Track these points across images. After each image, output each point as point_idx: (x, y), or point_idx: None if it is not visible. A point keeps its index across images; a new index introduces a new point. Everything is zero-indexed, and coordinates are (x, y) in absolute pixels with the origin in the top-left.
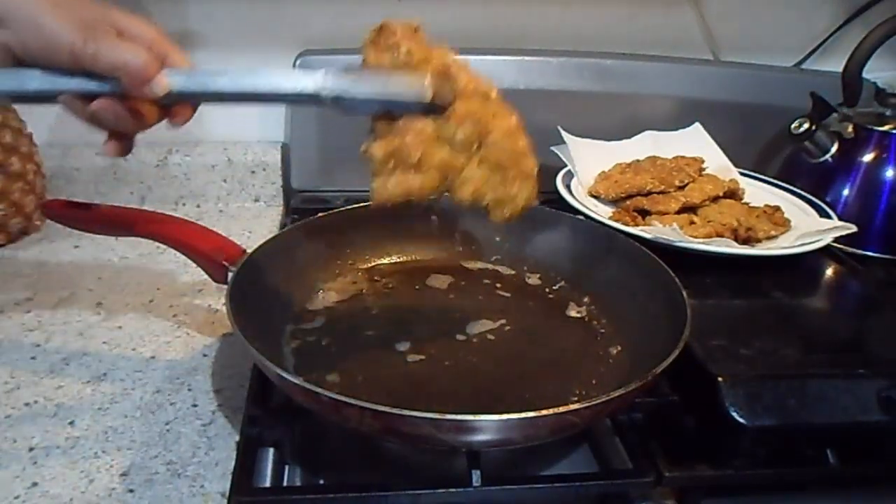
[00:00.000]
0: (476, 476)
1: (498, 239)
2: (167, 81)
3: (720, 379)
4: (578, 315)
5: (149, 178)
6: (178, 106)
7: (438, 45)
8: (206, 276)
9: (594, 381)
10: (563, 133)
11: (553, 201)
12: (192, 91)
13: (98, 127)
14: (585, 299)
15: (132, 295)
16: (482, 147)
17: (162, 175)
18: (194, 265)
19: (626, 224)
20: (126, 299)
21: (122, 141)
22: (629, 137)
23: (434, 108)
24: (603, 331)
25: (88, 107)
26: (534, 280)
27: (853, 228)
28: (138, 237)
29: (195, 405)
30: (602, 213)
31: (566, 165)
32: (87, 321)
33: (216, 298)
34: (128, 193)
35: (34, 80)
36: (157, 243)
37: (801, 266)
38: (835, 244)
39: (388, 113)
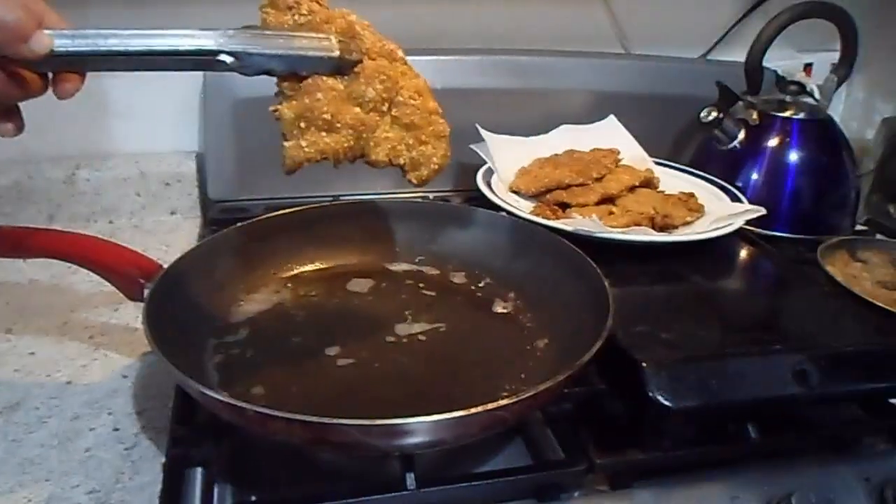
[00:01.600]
0: (410, 479)
1: (420, 240)
2: (48, 41)
3: (643, 364)
4: (505, 311)
5: (57, 196)
6: (64, 72)
7: (338, 8)
8: (122, 295)
9: (523, 376)
10: (482, 131)
11: (474, 199)
12: (77, 51)
13: None
14: (511, 295)
15: (44, 318)
16: (392, 107)
17: (71, 192)
18: (109, 284)
19: (547, 218)
20: (38, 323)
21: (10, 117)
22: (546, 132)
23: (342, 66)
24: (529, 325)
25: None
26: (459, 279)
27: (763, 211)
28: (47, 258)
29: (116, 429)
30: (523, 208)
31: (486, 163)
32: None
33: (134, 317)
34: (34, 212)
35: None
36: (68, 263)
37: (716, 250)
38: (746, 227)
39: (294, 73)
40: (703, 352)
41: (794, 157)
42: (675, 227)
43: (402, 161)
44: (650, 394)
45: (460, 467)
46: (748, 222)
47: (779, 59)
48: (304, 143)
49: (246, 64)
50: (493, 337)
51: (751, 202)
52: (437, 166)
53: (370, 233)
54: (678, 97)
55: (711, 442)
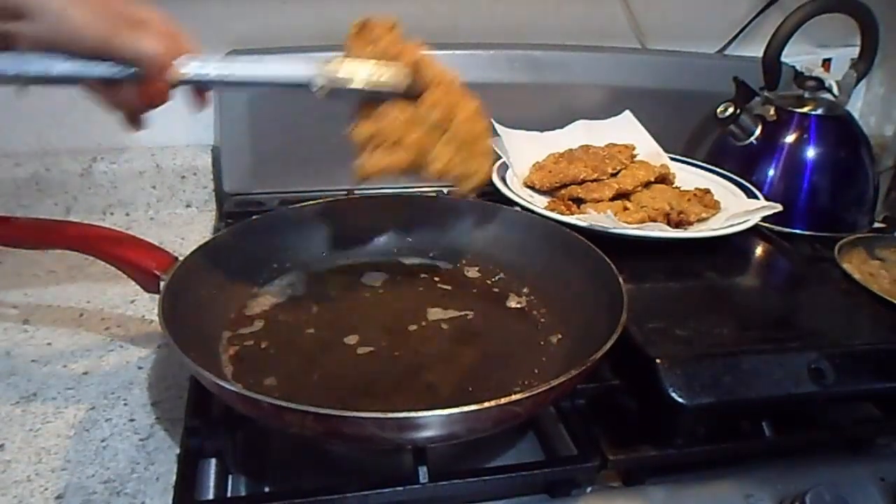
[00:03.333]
0: (423, 472)
1: (434, 234)
2: (182, 71)
3: (658, 361)
4: (518, 306)
5: (73, 188)
6: (193, 91)
7: (410, 41)
8: (138, 287)
9: (536, 371)
10: (497, 125)
11: (489, 193)
12: (203, 77)
13: (114, 109)
14: (525, 290)
15: (61, 310)
16: (449, 129)
17: (87, 184)
18: (126, 276)
19: (562, 213)
20: (55, 314)
21: (139, 122)
22: (561, 127)
23: (410, 95)
24: (543, 320)
25: (112, 92)
26: (473, 273)
27: (779, 208)
28: (64, 250)
29: (132, 419)
30: (538, 203)
31: (501, 157)
32: (13, 339)
33: (149, 309)
34: (52, 205)
35: (61, 65)
36: (84, 255)
37: (732, 246)
38: (762, 223)
39: (372, 99)
40: (718, 349)
41: (811, 153)
42: (691, 224)
43: (453, 174)
44: (664, 390)
45: (473, 461)
46: (764, 219)
47: (797, 55)
48: (371, 161)
49: (336, 93)
50: (507, 332)
51: (767, 199)
52: (482, 178)
53: (384, 227)
54: (694, 92)
55: (725, 439)
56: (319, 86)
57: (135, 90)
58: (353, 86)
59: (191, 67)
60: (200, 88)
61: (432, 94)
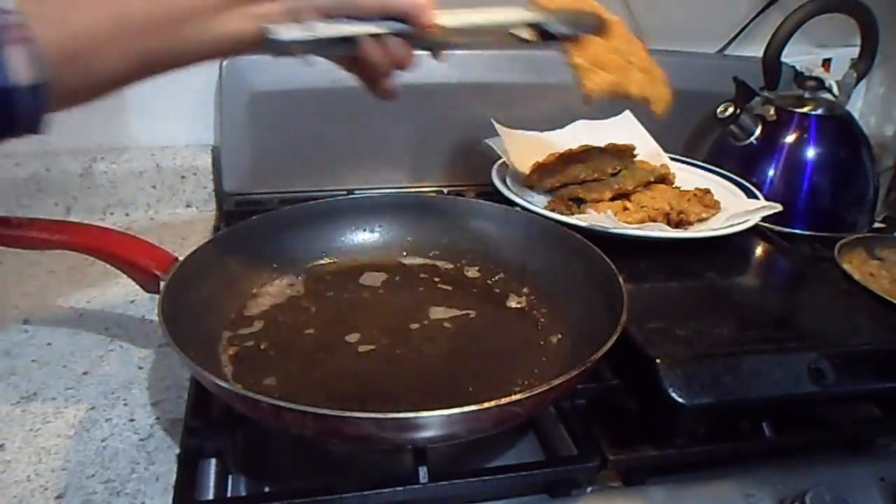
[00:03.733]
0: (423, 473)
1: (434, 234)
2: (437, 22)
3: (658, 361)
4: (519, 306)
5: (73, 188)
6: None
7: None
8: (138, 287)
9: (536, 371)
10: (497, 125)
11: (489, 193)
12: (455, 25)
13: (369, 75)
14: (525, 290)
15: (61, 310)
16: (631, 60)
17: (87, 184)
18: (126, 276)
19: (562, 213)
20: (54, 315)
21: (384, 84)
22: (561, 127)
23: (602, 29)
24: (543, 320)
25: (369, 54)
26: (473, 273)
27: (779, 208)
28: (64, 250)
29: (132, 420)
30: (538, 203)
31: (501, 158)
32: (13, 339)
33: (149, 309)
34: (52, 205)
35: (348, 26)
36: (84, 255)
37: (732, 246)
38: (763, 223)
39: (576, 35)
40: (718, 349)
41: (811, 153)
42: (691, 224)
43: (646, 94)
44: (664, 390)
45: (473, 462)
46: (764, 219)
47: (797, 55)
48: (597, 80)
49: (549, 31)
50: (507, 331)
51: (767, 199)
52: (669, 102)
53: (384, 227)
54: (695, 92)
55: (725, 439)
56: (539, 23)
57: (387, 52)
58: (561, 28)
59: (443, 18)
60: (438, 47)
61: (615, 29)
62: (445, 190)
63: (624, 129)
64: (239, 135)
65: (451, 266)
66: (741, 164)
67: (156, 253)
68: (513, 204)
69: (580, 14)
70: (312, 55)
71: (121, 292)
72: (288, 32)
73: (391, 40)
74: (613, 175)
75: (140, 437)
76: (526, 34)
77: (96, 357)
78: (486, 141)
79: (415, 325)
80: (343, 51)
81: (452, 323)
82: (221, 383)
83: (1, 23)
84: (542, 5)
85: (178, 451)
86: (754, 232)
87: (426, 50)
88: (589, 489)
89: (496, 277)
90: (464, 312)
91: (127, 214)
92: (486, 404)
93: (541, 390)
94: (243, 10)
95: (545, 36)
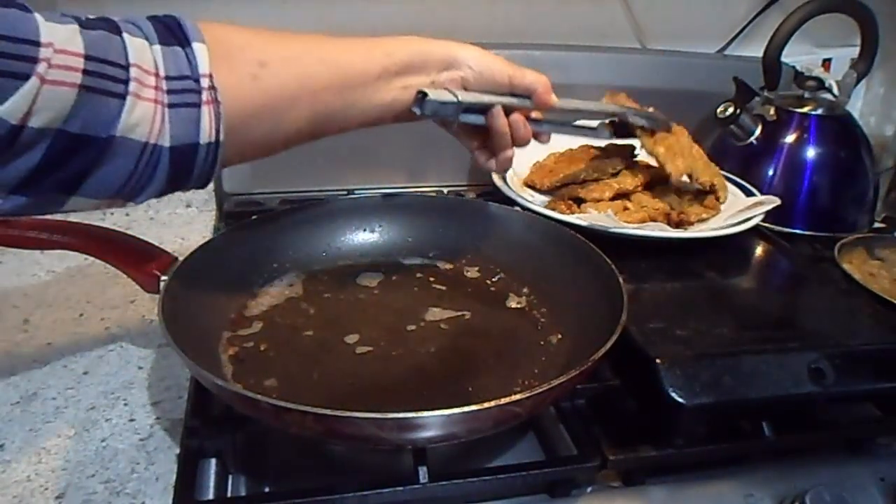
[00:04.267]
0: (423, 473)
1: (434, 234)
2: (552, 101)
3: (658, 361)
4: (518, 305)
5: None
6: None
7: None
8: (138, 287)
9: (536, 371)
10: None
11: (489, 193)
12: (562, 106)
13: (492, 145)
14: (525, 289)
15: (61, 310)
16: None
17: None
18: (126, 276)
19: (562, 213)
20: (55, 314)
21: (498, 156)
22: None
23: (670, 128)
24: (543, 320)
25: (497, 122)
26: (473, 273)
27: (777, 201)
28: (64, 250)
29: (132, 419)
30: (538, 202)
31: None
32: (13, 339)
33: (149, 309)
34: None
35: (486, 97)
36: (84, 255)
37: (732, 246)
38: (763, 223)
39: (652, 130)
40: (718, 349)
41: (811, 153)
42: (691, 224)
43: (714, 182)
44: (664, 390)
45: (473, 462)
46: (764, 219)
47: (797, 55)
48: (678, 164)
49: (620, 130)
50: (507, 331)
51: None
52: (726, 190)
53: (384, 227)
54: (694, 93)
55: (725, 439)
56: (626, 115)
57: (511, 126)
58: (641, 121)
59: (555, 100)
60: (543, 130)
61: (677, 130)
62: (445, 190)
63: None
64: None
65: (451, 266)
66: (741, 164)
67: (156, 253)
68: (513, 204)
69: (652, 113)
70: (452, 118)
71: (121, 292)
72: (438, 95)
73: (514, 118)
74: (613, 175)
75: (140, 437)
76: (606, 133)
77: (96, 357)
78: None
79: (414, 326)
80: (476, 119)
81: (452, 323)
82: (222, 383)
83: (202, 86)
84: (620, 104)
85: (178, 451)
86: (754, 232)
87: (536, 131)
88: (589, 489)
89: (496, 277)
90: (463, 312)
91: (127, 214)
92: (486, 404)
93: (541, 390)
94: (402, 80)
95: (620, 134)
